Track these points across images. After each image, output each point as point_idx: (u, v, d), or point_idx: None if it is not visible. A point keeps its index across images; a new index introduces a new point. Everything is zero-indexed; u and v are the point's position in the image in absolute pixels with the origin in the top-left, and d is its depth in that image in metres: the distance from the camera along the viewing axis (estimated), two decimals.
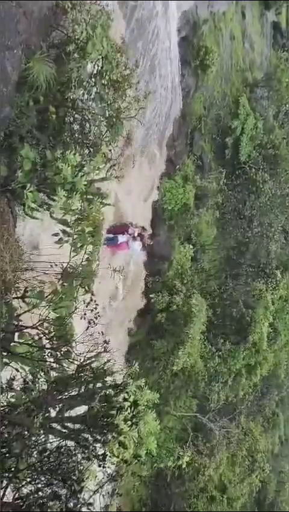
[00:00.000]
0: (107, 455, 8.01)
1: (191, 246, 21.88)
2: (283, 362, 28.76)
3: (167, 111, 20.03)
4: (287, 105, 32.40)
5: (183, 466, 18.23)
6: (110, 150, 10.17)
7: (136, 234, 17.83)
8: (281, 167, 26.36)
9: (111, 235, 17.03)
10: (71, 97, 9.12)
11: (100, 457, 7.93)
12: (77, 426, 8.51)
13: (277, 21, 35.95)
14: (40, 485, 7.43)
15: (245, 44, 28.98)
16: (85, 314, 8.94)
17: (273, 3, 32.27)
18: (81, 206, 9.14)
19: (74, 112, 9.40)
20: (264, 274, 25.57)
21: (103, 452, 8.06)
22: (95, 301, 9.15)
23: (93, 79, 9.32)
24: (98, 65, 9.26)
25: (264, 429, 27.99)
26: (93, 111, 9.42)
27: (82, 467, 7.89)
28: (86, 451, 8.03)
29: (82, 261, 9.37)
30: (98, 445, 8.11)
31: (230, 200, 24.51)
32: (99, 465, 8.08)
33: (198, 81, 22.46)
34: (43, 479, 7.51)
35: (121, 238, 17.24)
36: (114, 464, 8.53)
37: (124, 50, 9.85)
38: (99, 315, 9.13)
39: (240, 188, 24.98)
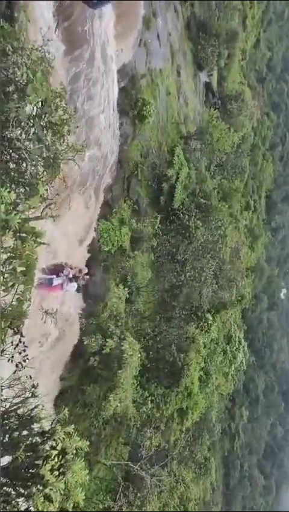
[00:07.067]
0: (30, 510, 7.45)
1: (126, 288, 21.96)
2: (215, 405, 29.00)
3: (105, 156, 20.55)
4: (218, 158, 34.71)
5: None
6: (46, 190, 10.17)
7: (71, 275, 17.53)
8: (212, 215, 27.71)
9: (47, 276, 16.61)
10: (8, 136, 9.12)
11: None
12: None
13: (209, 81, 39.19)
14: None
15: (180, 100, 30.99)
16: (12, 356, 8.54)
17: (205, 65, 35.20)
18: (14, 244, 8.93)
19: (11, 151, 9.37)
20: (196, 318, 26.11)
21: (26, 507, 7.49)
22: (24, 343, 8.80)
23: (32, 121, 9.42)
24: (37, 108, 9.40)
25: (195, 476, 27.63)
26: (30, 151, 9.44)
27: None
28: (7, 507, 7.42)
29: (12, 301, 9.03)
30: (21, 499, 7.53)
31: (165, 244, 25.18)
32: None
33: (136, 129, 23.46)
34: None
35: (56, 281, 16.80)
36: None
37: (63, 96, 10.12)
38: (27, 358, 8.76)
39: (174, 233, 25.81)
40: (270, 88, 64.93)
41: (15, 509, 7.41)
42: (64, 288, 17.27)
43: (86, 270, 19.29)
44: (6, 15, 11.89)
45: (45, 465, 7.57)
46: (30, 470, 7.70)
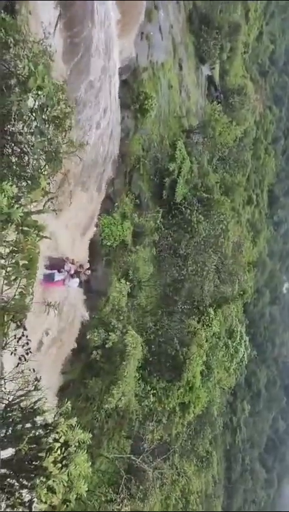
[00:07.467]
0: (34, 501, 7.51)
1: (128, 282, 21.98)
2: (217, 399, 29.08)
3: (107, 150, 20.49)
4: (220, 152, 34.59)
5: None
6: (48, 184, 10.15)
7: (73, 271, 17.49)
8: (214, 209, 27.66)
9: (48, 272, 16.59)
10: (10, 130, 9.10)
11: (27, 504, 7.42)
12: (3, 471, 7.95)
13: (212, 75, 38.98)
14: None
15: (182, 93, 30.84)
16: (15, 349, 8.57)
17: (207, 58, 34.99)
18: (16, 238, 8.93)
19: (13, 145, 9.35)
20: (198, 312, 26.13)
21: (29, 498, 7.55)
22: (27, 336, 8.82)
23: (34, 114, 9.38)
24: (39, 101, 9.37)
25: (197, 469, 27.79)
26: (32, 145, 9.41)
27: None
28: (11, 498, 7.48)
29: (15, 295, 9.05)
30: (24, 491, 7.59)
31: (167, 239, 25.17)
32: None
33: (138, 123, 23.36)
34: None
35: (58, 276, 16.78)
36: (40, 511, 7.99)
37: (65, 89, 10.07)
38: (30, 351, 8.79)
39: (176, 227, 25.78)
40: (273, 82, 64.58)
41: (19, 501, 7.47)
42: (66, 283, 17.27)
43: (87, 265, 19.27)
44: (7, 8, 11.82)
45: (48, 457, 7.61)
46: (33, 462, 7.75)
